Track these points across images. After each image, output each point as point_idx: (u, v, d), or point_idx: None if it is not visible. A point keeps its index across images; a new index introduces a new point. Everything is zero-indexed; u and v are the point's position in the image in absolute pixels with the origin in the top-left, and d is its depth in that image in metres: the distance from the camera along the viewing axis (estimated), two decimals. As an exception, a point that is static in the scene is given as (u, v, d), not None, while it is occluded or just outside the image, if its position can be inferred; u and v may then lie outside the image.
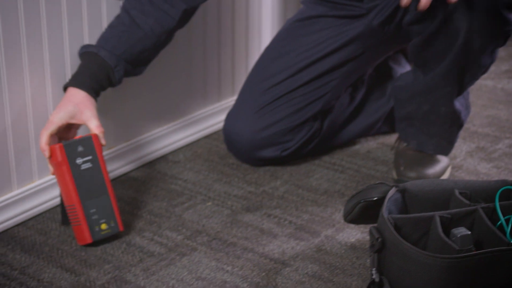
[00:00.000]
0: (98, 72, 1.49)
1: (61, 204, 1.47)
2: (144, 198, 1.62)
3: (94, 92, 1.49)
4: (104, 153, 1.67)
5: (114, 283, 1.34)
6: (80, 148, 1.43)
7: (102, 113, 1.65)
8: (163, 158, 1.80)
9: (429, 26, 1.49)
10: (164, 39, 1.57)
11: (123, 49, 1.51)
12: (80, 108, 1.46)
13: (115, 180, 1.68)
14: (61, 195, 1.46)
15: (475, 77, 1.57)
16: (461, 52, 1.50)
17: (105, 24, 1.59)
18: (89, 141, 1.45)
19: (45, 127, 1.44)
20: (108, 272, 1.37)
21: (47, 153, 1.42)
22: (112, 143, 1.70)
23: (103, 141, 1.46)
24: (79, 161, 1.43)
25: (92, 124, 1.45)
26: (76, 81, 1.48)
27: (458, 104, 1.61)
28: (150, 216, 1.55)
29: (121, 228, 1.46)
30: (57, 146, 1.41)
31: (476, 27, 1.46)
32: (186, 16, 1.58)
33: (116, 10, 1.59)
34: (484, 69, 1.56)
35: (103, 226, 1.43)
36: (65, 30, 1.52)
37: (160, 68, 1.76)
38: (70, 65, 1.54)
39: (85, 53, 1.51)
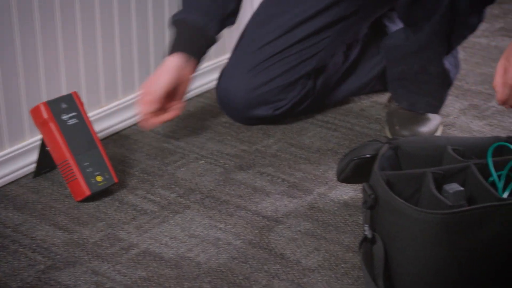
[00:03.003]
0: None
1: (38, 157, 1.48)
2: (136, 156, 1.61)
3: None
4: (96, 111, 1.67)
5: (107, 241, 1.34)
6: (63, 105, 1.45)
7: (91, 72, 1.64)
8: (156, 116, 1.79)
9: None
10: None
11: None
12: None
13: (107, 139, 1.68)
14: (40, 151, 1.47)
15: (463, 37, 1.58)
16: (447, 12, 1.49)
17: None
18: (71, 98, 1.47)
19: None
20: (101, 230, 1.37)
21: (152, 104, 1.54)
22: (103, 102, 1.69)
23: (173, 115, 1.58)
24: (64, 117, 1.44)
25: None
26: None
27: (447, 63, 1.61)
28: (143, 175, 1.55)
29: (116, 179, 1.46)
30: (40, 105, 1.43)
31: None
32: None
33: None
34: (472, 29, 1.56)
35: (99, 178, 1.44)
36: None
37: (152, 23, 1.74)
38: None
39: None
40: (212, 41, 1.62)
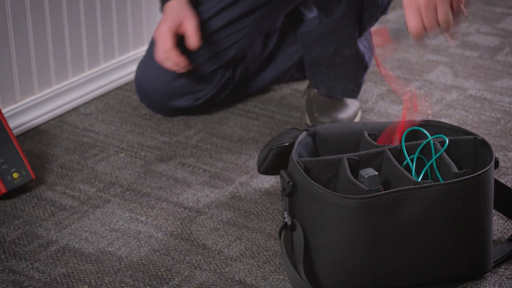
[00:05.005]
0: None
1: None
2: (55, 151, 1.59)
3: None
4: (11, 107, 1.63)
5: (25, 238, 1.31)
6: None
7: (6, 66, 1.60)
8: (75, 110, 1.76)
9: None
10: None
11: None
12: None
13: (24, 135, 1.64)
14: None
15: (374, 17, 1.59)
16: None
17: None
18: None
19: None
20: (19, 227, 1.34)
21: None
22: (19, 97, 1.65)
23: (193, 44, 1.62)
24: None
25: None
26: None
27: (361, 45, 1.63)
28: (61, 170, 1.52)
29: (33, 176, 1.43)
30: None
31: None
32: None
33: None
34: (382, 9, 1.58)
35: (15, 175, 1.41)
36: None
37: (68, 17, 1.71)
38: None
39: None
40: None
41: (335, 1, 1.54)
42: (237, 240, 1.32)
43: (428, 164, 1.21)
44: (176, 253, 1.28)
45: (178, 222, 1.36)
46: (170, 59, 1.60)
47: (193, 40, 1.61)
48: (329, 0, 1.55)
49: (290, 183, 1.17)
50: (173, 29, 1.61)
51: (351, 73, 1.65)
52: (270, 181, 1.49)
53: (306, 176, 1.15)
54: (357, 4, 1.53)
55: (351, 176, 1.15)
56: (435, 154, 1.21)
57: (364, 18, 1.57)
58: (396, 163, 1.18)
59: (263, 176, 1.50)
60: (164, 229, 1.35)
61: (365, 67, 1.67)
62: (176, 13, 1.62)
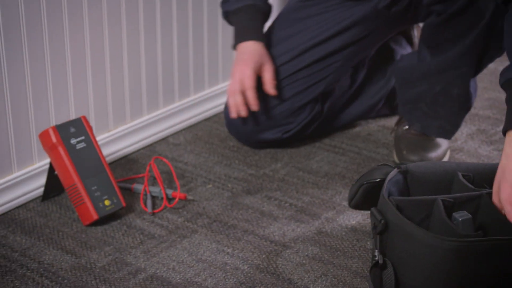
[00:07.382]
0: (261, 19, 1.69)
1: (46, 181, 1.49)
2: (144, 180, 1.61)
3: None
4: (104, 135, 1.67)
5: (115, 265, 1.33)
6: (72, 129, 1.45)
7: (101, 95, 1.65)
8: (164, 140, 1.79)
9: (453, 5, 1.47)
10: None
11: None
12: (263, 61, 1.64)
13: (115, 163, 1.68)
14: (48, 175, 1.48)
15: (492, 59, 1.55)
16: (484, 32, 1.47)
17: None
18: (80, 122, 1.48)
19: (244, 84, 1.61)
20: (109, 254, 1.36)
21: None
22: (111, 126, 1.69)
23: (272, 91, 1.65)
24: (73, 141, 1.44)
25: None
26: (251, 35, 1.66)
27: (471, 86, 1.59)
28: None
29: (123, 203, 1.46)
30: (49, 129, 1.43)
31: (501, 7, 1.43)
32: None
33: None
34: (502, 51, 1.53)
35: (107, 202, 1.44)
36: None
37: (160, 50, 1.75)
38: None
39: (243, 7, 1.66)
40: (268, 15, 1.71)
41: (454, 39, 1.50)
42: (323, 276, 1.31)
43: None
44: (262, 287, 1.28)
45: (264, 256, 1.37)
46: (248, 97, 1.62)
47: (269, 87, 1.64)
48: (446, 38, 1.51)
49: (382, 221, 1.16)
50: (256, 70, 1.63)
51: (453, 113, 1.61)
52: (356, 218, 1.48)
53: (400, 214, 1.14)
54: (479, 45, 1.49)
55: (447, 219, 1.13)
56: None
57: (484, 60, 1.53)
58: (496, 209, 1.15)
59: (349, 213, 1.49)
60: (250, 261, 1.35)
61: (468, 109, 1.63)
62: (257, 56, 1.63)
